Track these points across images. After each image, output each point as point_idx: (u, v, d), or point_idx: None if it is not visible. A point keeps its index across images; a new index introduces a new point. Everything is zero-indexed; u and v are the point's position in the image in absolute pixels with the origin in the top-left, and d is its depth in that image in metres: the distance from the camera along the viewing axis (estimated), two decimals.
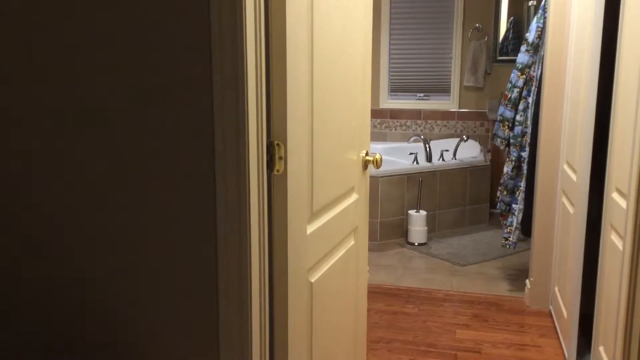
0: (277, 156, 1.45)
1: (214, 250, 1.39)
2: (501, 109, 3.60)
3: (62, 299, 1.49)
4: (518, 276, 3.84)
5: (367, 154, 2.16)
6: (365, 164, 2.16)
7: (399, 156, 5.42)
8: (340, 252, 1.96)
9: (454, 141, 5.43)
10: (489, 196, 5.12)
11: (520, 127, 3.47)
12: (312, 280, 1.72)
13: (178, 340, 1.45)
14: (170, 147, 1.37)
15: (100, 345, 1.49)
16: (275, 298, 1.54)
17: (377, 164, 2.15)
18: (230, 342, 1.43)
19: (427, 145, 5.00)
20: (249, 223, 1.37)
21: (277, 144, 1.45)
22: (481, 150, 5.27)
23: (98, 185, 1.42)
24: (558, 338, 3.00)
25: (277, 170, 1.47)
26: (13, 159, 1.45)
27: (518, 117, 3.48)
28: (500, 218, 3.68)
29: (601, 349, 2.43)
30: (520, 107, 3.47)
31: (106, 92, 1.38)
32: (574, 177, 2.77)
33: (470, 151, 5.29)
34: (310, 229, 1.68)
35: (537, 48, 3.37)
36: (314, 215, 1.70)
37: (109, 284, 1.46)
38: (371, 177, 2.25)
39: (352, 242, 2.09)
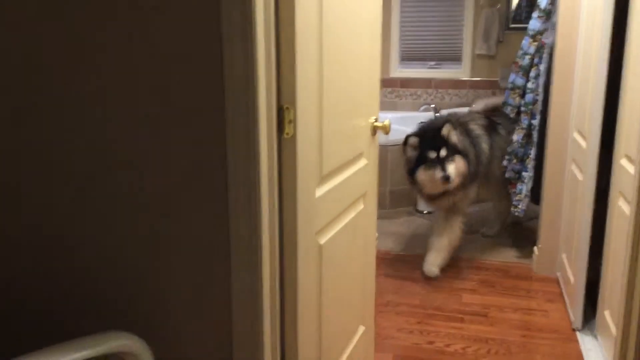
0: (286, 119, 1.48)
1: (225, 212, 1.43)
2: (512, 77, 3.58)
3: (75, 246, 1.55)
4: (526, 244, 3.87)
5: (376, 120, 2.18)
6: (374, 130, 2.18)
7: (409, 126, 5.40)
8: (350, 216, 2.00)
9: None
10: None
11: (531, 95, 3.45)
12: (322, 243, 1.77)
13: (188, 298, 1.51)
14: (181, 111, 1.40)
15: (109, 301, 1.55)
16: (285, 259, 1.58)
17: (386, 130, 2.17)
18: (242, 303, 1.47)
19: (437, 114, 4.99)
20: (259, 185, 1.41)
21: (287, 108, 1.47)
22: None
23: (117, 148, 1.46)
24: (564, 303, 3.04)
25: (287, 134, 1.49)
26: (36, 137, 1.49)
27: (529, 85, 3.47)
28: (509, 186, 3.70)
29: (606, 313, 2.47)
30: (532, 74, 3.45)
31: (121, 61, 1.40)
32: (583, 144, 2.77)
33: None
34: (320, 192, 1.71)
35: (549, 14, 3.34)
36: (323, 178, 1.74)
37: (121, 246, 1.51)
38: (380, 145, 2.32)
39: (361, 207, 2.12)
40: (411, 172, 3.34)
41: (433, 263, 3.44)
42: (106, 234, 1.51)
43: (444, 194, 3.38)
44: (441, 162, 3.21)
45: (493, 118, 3.76)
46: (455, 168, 3.24)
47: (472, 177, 3.43)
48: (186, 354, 1.54)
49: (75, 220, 1.52)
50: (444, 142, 3.24)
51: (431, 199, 3.47)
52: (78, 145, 1.48)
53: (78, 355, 1.24)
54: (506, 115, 3.74)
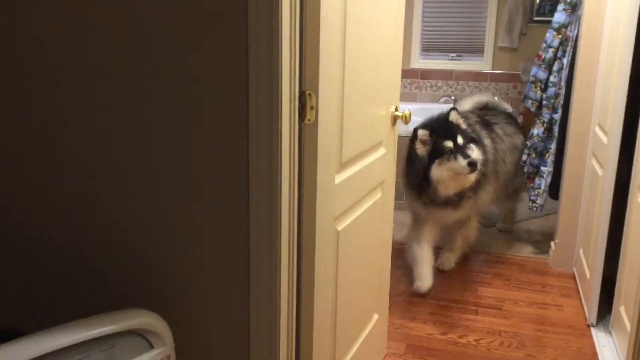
0: (308, 105, 1.49)
1: (246, 196, 1.45)
2: (534, 70, 3.55)
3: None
4: (543, 239, 3.85)
5: (396, 110, 2.18)
6: (394, 120, 2.19)
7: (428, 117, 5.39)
8: (367, 204, 2.01)
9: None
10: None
11: (553, 89, 3.43)
12: (339, 229, 1.78)
13: (207, 279, 1.53)
14: (205, 94, 1.42)
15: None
16: (302, 243, 1.60)
17: (406, 119, 2.18)
18: (259, 284, 1.50)
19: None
20: (280, 170, 1.42)
21: (309, 94, 1.49)
22: (512, 113, 5.21)
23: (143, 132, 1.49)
24: (580, 299, 3.03)
25: (308, 120, 1.51)
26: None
27: (552, 78, 3.43)
28: (527, 181, 3.68)
29: (622, 309, 2.46)
30: (555, 67, 3.42)
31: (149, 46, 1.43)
32: (605, 139, 2.75)
33: None
34: (339, 178, 1.73)
35: (574, 7, 3.30)
36: (343, 165, 1.75)
37: (144, 226, 1.54)
38: (399, 136, 2.27)
39: (379, 196, 2.13)
40: (424, 172, 2.88)
41: (448, 259, 3.37)
42: (131, 214, 1.54)
43: (459, 198, 3.00)
44: (461, 149, 2.83)
45: (487, 117, 3.45)
46: (478, 154, 2.92)
47: (484, 175, 3.10)
48: (204, 332, 1.57)
49: (101, 200, 1.55)
50: (457, 129, 2.90)
51: (443, 204, 3.01)
52: (113, 124, 1.50)
53: (100, 330, 1.27)
54: (501, 114, 3.57)
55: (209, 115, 1.43)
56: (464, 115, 3.14)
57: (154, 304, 1.55)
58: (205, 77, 1.41)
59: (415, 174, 2.96)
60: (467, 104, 3.67)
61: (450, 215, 3.12)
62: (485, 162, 3.05)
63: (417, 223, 3.21)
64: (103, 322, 1.29)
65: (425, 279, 3.05)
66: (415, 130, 2.92)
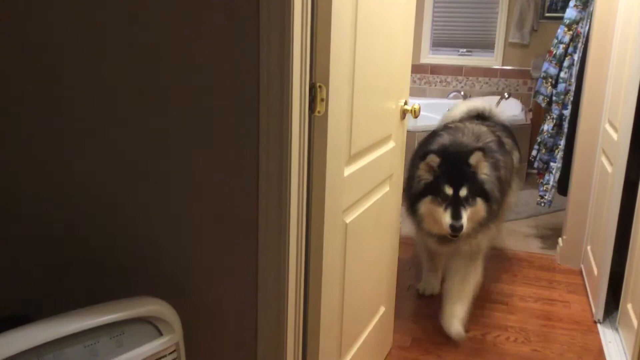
0: (318, 98, 1.50)
1: (255, 185, 1.46)
2: (545, 65, 3.54)
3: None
4: (551, 235, 3.85)
5: (405, 103, 2.18)
6: (404, 113, 2.19)
7: (437, 113, 5.38)
8: (375, 197, 2.02)
9: (495, 99, 5.36)
10: (528, 156, 5.08)
11: (564, 85, 3.42)
12: (347, 221, 1.79)
13: (215, 267, 1.55)
14: (216, 85, 1.43)
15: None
16: (311, 235, 1.61)
17: (415, 113, 2.18)
18: (268, 273, 1.51)
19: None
20: (290, 161, 1.43)
21: (320, 86, 1.49)
22: (522, 109, 5.19)
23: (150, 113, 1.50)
24: (587, 295, 3.03)
25: (318, 112, 1.51)
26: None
27: (562, 74, 3.43)
28: (537, 177, 3.67)
29: (629, 306, 2.46)
30: (565, 64, 3.41)
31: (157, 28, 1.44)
32: (615, 136, 2.74)
33: (511, 109, 5.22)
34: (348, 171, 1.73)
35: (586, 3, 3.28)
36: (352, 158, 1.76)
37: (153, 203, 1.56)
38: (408, 131, 2.21)
39: (387, 189, 2.14)
40: (414, 198, 2.46)
41: (456, 317, 2.62)
42: (136, 198, 1.55)
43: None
44: (456, 205, 2.34)
45: (503, 139, 2.83)
46: (471, 216, 2.39)
47: (494, 215, 2.54)
48: (212, 319, 1.59)
49: (110, 187, 1.57)
50: (469, 176, 2.37)
51: (435, 238, 2.58)
52: (120, 94, 1.52)
53: (109, 317, 1.29)
54: (498, 126, 2.99)
55: (219, 106, 1.44)
56: (487, 145, 2.58)
57: (162, 292, 1.57)
58: (215, 69, 1.42)
59: (409, 195, 2.52)
60: (459, 109, 3.15)
61: (444, 249, 2.67)
62: (501, 196, 2.55)
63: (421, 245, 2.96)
64: (113, 309, 1.31)
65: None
66: (428, 152, 2.43)
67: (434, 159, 2.38)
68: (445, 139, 2.60)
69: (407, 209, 2.55)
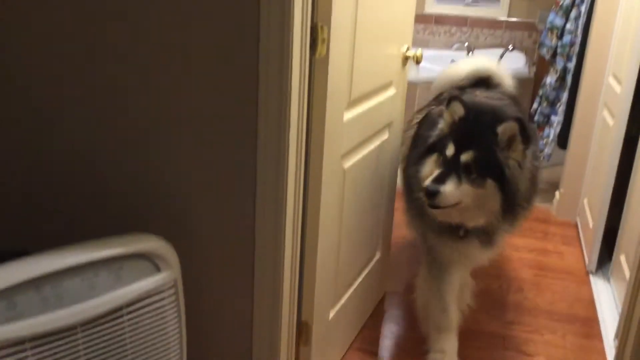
0: (320, 38, 1.47)
1: (254, 126, 1.45)
2: (551, 16, 3.46)
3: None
4: (548, 188, 3.85)
5: (408, 49, 2.15)
6: (406, 60, 2.16)
7: (440, 64, 5.31)
8: (374, 144, 2.01)
9: (498, 51, 5.27)
10: (529, 110, 5.04)
11: (569, 36, 3.35)
12: (345, 167, 1.79)
13: (213, 207, 1.56)
14: (216, 25, 1.40)
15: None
16: (309, 179, 1.61)
17: (418, 59, 2.15)
18: (265, 215, 1.52)
19: (470, 54, 4.88)
20: (289, 102, 1.42)
21: (321, 26, 1.47)
22: (526, 63, 5.12)
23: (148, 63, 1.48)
24: (580, 247, 3.06)
25: (320, 54, 1.49)
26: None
27: (568, 26, 3.36)
28: (537, 130, 3.65)
29: (622, 258, 2.49)
30: (572, 15, 3.34)
31: None
32: (618, 89, 2.72)
33: (515, 62, 5.14)
34: (347, 115, 1.72)
35: None
36: (352, 102, 1.74)
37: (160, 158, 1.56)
38: (409, 82, 2.11)
39: (386, 136, 2.13)
40: (417, 159, 1.92)
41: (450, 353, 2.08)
42: (137, 141, 1.55)
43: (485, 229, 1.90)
44: (448, 168, 1.75)
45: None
46: (473, 198, 1.76)
47: (511, 207, 1.82)
48: (209, 258, 1.61)
49: (109, 126, 1.56)
50: (485, 144, 1.75)
51: (446, 234, 1.95)
52: (117, 55, 1.50)
53: (108, 252, 1.30)
54: (506, 96, 2.20)
55: (218, 46, 1.42)
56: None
57: (161, 230, 1.58)
58: (215, 5, 1.39)
59: (416, 156, 1.98)
60: (461, 70, 2.35)
61: (459, 254, 2.03)
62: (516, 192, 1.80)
63: (433, 264, 2.11)
64: (112, 244, 1.32)
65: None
66: (453, 98, 1.83)
67: (458, 108, 1.80)
68: (482, 96, 2.08)
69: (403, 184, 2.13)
